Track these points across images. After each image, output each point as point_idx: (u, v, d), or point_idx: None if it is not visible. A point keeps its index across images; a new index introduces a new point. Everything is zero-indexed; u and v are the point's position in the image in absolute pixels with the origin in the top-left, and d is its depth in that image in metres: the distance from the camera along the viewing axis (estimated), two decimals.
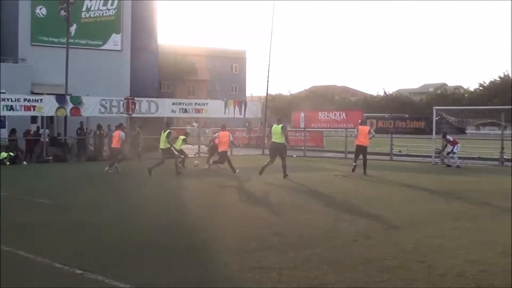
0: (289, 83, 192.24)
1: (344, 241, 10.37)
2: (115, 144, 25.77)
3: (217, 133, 25.78)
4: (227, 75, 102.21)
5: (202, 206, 15.40)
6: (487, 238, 10.74)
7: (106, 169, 24.56)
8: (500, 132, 34.19)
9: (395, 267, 8.53)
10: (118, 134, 25.73)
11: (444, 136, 29.49)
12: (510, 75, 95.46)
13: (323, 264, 8.68)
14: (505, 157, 30.24)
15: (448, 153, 28.98)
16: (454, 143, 28.75)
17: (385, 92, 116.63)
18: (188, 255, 9.46)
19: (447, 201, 16.12)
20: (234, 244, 10.15)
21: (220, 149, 24.18)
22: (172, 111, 36.57)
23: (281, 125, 22.39)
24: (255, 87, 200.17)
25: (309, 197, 16.94)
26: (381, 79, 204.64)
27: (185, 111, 37.23)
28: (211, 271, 8.48)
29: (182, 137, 27.21)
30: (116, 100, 34.12)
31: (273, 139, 22.38)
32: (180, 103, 37.64)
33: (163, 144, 23.90)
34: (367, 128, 25.36)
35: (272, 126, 23.74)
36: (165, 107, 35.86)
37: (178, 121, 60.39)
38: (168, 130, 24.11)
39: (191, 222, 12.74)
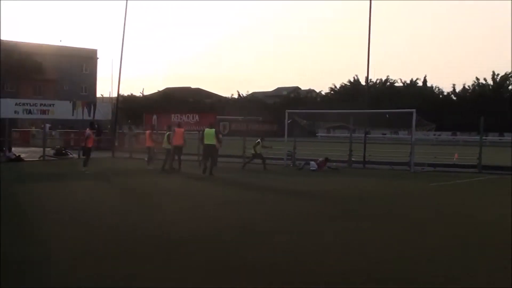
0: (142, 84, 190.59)
1: (216, 246, 10.35)
2: None
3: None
4: (76, 75, 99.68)
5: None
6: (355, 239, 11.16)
7: None
8: (349, 135, 35.54)
9: (277, 271, 8.65)
10: None
11: (263, 140, 30.28)
12: (362, 80, 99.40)
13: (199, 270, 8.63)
14: (353, 159, 31.60)
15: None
16: None
17: (239, 95, 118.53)
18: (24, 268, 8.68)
19: (307, 202, 16.65)
20: (90, 252, 9.83)
21: None
22: (15, 112, 34.79)
23: (213, 129, 25.48)
24: (107, 88, 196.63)
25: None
26: (235, 81, 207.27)
27: (30, 112, 35.55)
28: (48, 282, 8.01)
29: None
30: None
31: (206, 141, 25.21)
32: (24, 104, 35.84)
33: None
34: (182, 130, 27.57)
35: (204, 130, 26.14)
36: (7, 108, 33.99)
37: (23, 123, 58.27)
38: None
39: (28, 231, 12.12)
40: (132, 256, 9.37)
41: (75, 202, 16.07)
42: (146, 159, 29.31)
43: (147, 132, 30.45)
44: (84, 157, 26.35)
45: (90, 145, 26.39)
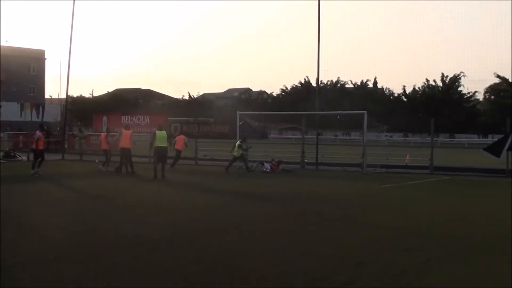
0: (92, 85, 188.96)
1: (147, 248, 10.23)
2: None
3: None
4: (24, 75, 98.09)
5: None
6: (290, 241, 11.13)
7: None
8: (301, 136, 35.67)
9: (199, 272, 8.56)
10: None
11: (244, 140, 30.14)
12: (313, 81, 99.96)
13: (125, 273, 8.50)
14: (306, 160, 31.72)
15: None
16: None
17: (190, 96, 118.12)
18: None
19: (254, 205, 16.58)
20: (28, 256, 9.58)
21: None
22: None
23: (165, 131, 25.48)
24: (55, 89, 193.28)
25: (114, 204, 16.61)
26: (186, 82, 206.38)
27: None
28: None
29: None
30: None
31: (158, 144, 24.82)
32: None
33: None
34: (129, 132, 26.85)
35: (155, 132, 25.63)
36: None
37: None
38: None
39: None
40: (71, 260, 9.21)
41: (23, 205, 15.72)
42: (102, 161, 28.93)
43: (103, 134, 30.02)
44: (34, 160, 25.77)
45: (40, 147, 25.86)
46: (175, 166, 29.16)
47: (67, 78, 42.83)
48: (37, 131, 26.44)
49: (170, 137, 26.35)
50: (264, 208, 15.95)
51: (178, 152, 30.19)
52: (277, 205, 16.74)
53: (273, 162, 29.15)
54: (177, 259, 9.39)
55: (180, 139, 30.41)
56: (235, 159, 29.14)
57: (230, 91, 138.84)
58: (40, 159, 25.38)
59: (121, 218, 13.71)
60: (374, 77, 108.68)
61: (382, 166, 29.95)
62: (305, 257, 9.65)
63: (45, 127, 45.41)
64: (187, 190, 20.88)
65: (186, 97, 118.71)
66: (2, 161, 33.88)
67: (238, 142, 29.25)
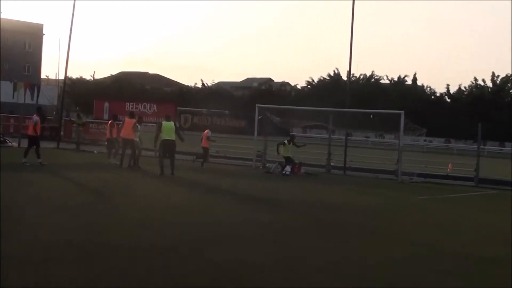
0: (93, 66, 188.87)
1: (145, 252, 10.21)
2: None
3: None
4: (19, 52, 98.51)
5: None
6: (308, 254, 11.06)
7: None
8: (327, 136, 35.50)
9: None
10: None
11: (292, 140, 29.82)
12: (344, 74, 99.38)
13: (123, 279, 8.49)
14: (332, 164, 31.55)
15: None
16: None
17: (203, 84, 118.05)
18: None
19: (269, 211, 16.57)
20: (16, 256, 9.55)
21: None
22: None
23: (172, 122, 25.28)
24: (53, 69, 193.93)
25: (119, 199, 16.66)
26: (200, 69, 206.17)
27: None
28: None
29: None
30: None
31: (165, 136, 24.66)
32: None
33: None
34: (133, 121, 27.03)
35: (161, 123, 25.65)
36: None
37: None
38: None
39: None
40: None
41: (13, 197, 15.77)
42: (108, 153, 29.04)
43: (109, 122, 30.06)
44: (28, 147, 25.78)
45: (38, 133, 25.85)
46: (204, 166, 29.53)
47: (67, 57, 42.67)
48: (35, 115, 26.41)
49: (179, 130, 26.23)
50: (281, 215, 15.90)
51: (204, 150, 30.44)
52: (296, 213, 16.69)
53: (293, 164, 28.97)
54: (177, 268, 9.37)
55: (204, 136, 30.63)
56: (287, 160, 28.78)
57: (248, 80, 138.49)
58: (35, 146, 25.43)
59: (120, 217, 13.77)
60: (413, 73, 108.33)
61: (419, 175, 29.72)
62: (323, 275, 9.55)
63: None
64: (194, 190, 20.86)
65: (199, 85, 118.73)
66: None
67: (284, 141, 29.19)
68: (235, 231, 12.98)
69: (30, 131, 26.10)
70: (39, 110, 27.20)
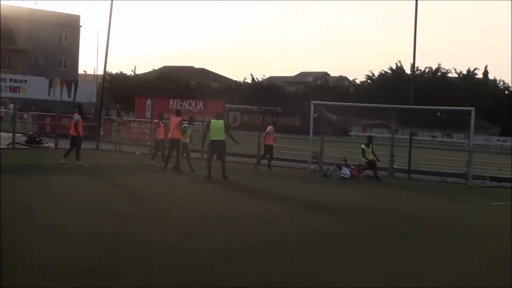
0: (135, 61, 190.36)
1: (189, 264, 10.20)
2: None
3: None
4: (54, 45, 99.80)
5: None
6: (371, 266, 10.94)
7: None
8: (390, 135, 35.20)
9: None
10: None
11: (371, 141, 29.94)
12: (407, 68, 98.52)
13: None
14: (395, 166, 31.26)
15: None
16: None
17: (253, 79, 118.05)
18: None
19: (326, 219, 16.48)
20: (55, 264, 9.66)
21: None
22: None
23: (222, 121, 25.10)
24: (91, 63, 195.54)
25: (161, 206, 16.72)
26: (249, 62, 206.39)
27: None
28: None
29: None
30: None
31: (213, 137, 24.59)
32: None
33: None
34: (178, 119, 27.36)
35: (210, 121, 25.36)
36: None
37: None
38: None
39: None
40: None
41: (50, 203, 15.93)
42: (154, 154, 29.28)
43: (155, 121, 30.27)
44: (70, 147, 26.00)
45: (80, 133, 26.18)
46: (272, 168, 30.10)
47: (106, 51, 42.96)
48: (75, 113, 26.60)
49: (229, 129, 26.22)
50: (339, 224, 15.78)
51: (269, 148, 30.70)
52: (356, 220, 16.56)
53: (353, 167, 28.82)
54: (223, 277, 9.42)
55: (267, 134, 30.87)
56: (371, 164, 28.87)
57: (302, 75, 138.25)
58: (76, 147, 25.68)
59: (164, 224, 13.85)
60: (484, 66, 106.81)
61: (492, 179, 29.32)
62: None
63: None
64: (245, 195, 20.94)
65: (249, 80, 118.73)
66: (24, 147, 34.54)
67: (362, 145, 29.49)
68: (295, 240, 12.98)
69: (71, 131, 26.30)
70: (80, 108, 27.33)
